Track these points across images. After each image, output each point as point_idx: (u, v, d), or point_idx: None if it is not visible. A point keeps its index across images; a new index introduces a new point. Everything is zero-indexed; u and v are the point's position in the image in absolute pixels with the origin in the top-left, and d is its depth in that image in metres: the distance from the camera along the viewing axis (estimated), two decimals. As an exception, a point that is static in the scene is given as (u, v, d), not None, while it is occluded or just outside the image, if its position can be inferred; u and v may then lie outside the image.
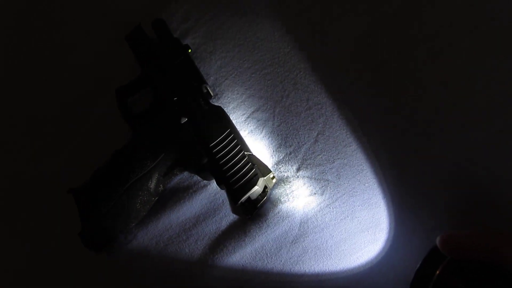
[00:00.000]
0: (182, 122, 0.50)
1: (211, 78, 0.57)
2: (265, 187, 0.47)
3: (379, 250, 0.44)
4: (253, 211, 0.47)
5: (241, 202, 0.46)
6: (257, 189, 0.46)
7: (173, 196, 0.51)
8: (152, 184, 0.49)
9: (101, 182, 0.49)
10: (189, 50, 0.57)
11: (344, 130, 0.49)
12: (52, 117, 0.61)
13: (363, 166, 0.46)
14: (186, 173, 0.52)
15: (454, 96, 0.46)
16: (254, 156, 0.48)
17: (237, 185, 0.45)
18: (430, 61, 0.48)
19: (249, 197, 0.46)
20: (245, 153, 0.47)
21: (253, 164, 0.46)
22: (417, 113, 0.47)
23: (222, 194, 0.50)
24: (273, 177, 0.48)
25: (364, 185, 0.46)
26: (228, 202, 0.49)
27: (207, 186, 0.51)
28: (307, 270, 0.45)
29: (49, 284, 0.51)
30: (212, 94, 0.54)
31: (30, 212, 0.55)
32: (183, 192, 0.51)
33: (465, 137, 0.45)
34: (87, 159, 0.53)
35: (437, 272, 0.33)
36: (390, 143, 0.47)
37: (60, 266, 0.51)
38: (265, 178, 0.46)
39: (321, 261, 0.45)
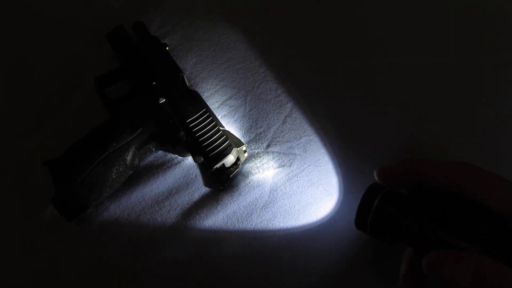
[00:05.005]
0: (161, 102, 0.53)
1: (187, 72, 0.62)
2: (238, 159, 0.51)
3: (333, 207, 0.49)
4: (225, 182, 0.50)
5: (216, 168, 0.49)
6: (231, 157, 0.49)
7: (148, 172, 0.53)
8: (128, 156, 0.51)
9: (77, 152, 0.51)
10: (167, 48, 0.62)
11: (309, 112, 0.54)
12: (27, 106, 0.62)
13: (326, 141, 0.51)
14: (160, 152, 0.54)
15: (397, 82, 0.54)
16: (228, 131, 0.52)
17: (212, 153, 0.49)
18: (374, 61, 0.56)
19: (222, 168, 0.50)
20: (220, 128, 0.51)
21: (227, 137, 0.50)
22: (361, 99, 0.54)
23: (195, 170, 0.53)
24: (245, 151, 0.51)
25: (328, 156, 0.50)
26: (200, 176, 0.52)
27: (181, 162, 0.53)
28: (276, 232, 0.48)
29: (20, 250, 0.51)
30: (187, 83, 0.58)
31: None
32: (158, 168, 0.53)
33: (406, 111, 0.52)
34: (63, 144, 0.55)
35: (376, 201, 0.38)
36: (344, 122, 0.53)
37: (30, 235, 0.51)
38: (238, 149, 0.50)
39: (289, 223, 0.48)
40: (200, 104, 0.53)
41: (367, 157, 0.49)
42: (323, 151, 0.51)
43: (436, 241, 0.35)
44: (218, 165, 0.48)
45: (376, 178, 0.39)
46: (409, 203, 0.37)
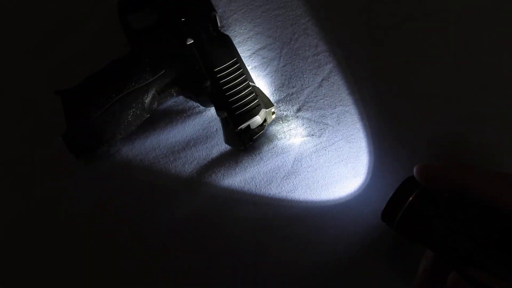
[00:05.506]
0: (188, 43, 0.48)
1: (219, 10, 0.55)
2: (264, 120, 0.47)
3: (359, 186, 0.46)
4: (248, 142, 0.46)
5: (240, 129, 0.45)
6: (258, 119, 0.45)
7: (165, 117, 0.49)
8: (147, 99, 0.47)
9: (94, 86, 0.46)
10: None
11: (349, 79, 0.49)
12: (39, 22, 0.56)
13: (363, 115, 0.47)
14: (181, 97, 0.50)
15: (447, 66, 0.49)
16: (258, 88, 0.47)
17: (238, 112, 0.44)
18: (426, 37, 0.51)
19: (247, 127, 0.46)
20: (250, 83, 0.46)
21: (256, 94, 0.46)
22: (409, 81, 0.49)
23: (217, 123, 0.49)
24: (273, 112, 0.47)
25: (362, 133, 0.46)
26: (222, 131, 0.48)
27: (202, 112, 0.49)
28: (294, 205, 0.45)
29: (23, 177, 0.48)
30: (219, 24, 0.52)
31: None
32: (177, 115, 0.49)
33: (450, 98, 0.48)
34: (77, 67, 0.50)
35: (410, 198, 0.34)
36: (386, 99, 0.48)
37: (36, 164, 0.49)
38: (266, 110, 0.46)
39: (310, 197, 0.45)
40: (231, 52, 0.48)
41: (405, 143, 0.45)
42: (358, 126, 0.47)
43: (466, 258, 0.32)
44: (243, 126, 0.44)
45: (415, 174, 0.36)
46: (447, 210, 0.34)
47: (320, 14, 0.53)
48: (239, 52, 0.50)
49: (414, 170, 0.36)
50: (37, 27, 0.56)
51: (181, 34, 0.48)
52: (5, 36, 0.56)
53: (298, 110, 0.48)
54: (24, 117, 0.51)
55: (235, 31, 0.54)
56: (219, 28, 0.52)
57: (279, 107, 0.49)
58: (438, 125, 0.46)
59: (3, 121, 0.51)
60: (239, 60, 0.48)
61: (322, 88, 0.49)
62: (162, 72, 0.47)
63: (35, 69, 0.54)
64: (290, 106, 0.49)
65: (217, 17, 0.52)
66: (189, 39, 0.48)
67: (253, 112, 0.45)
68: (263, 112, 0.45)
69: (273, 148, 0.47)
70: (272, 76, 0.51)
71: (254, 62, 0.51)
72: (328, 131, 0.47)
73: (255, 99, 0.45)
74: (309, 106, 0.48)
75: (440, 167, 0.35)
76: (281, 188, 0.46)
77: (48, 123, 0.50)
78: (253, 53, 0.52)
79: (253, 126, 0.46)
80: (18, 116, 0.51)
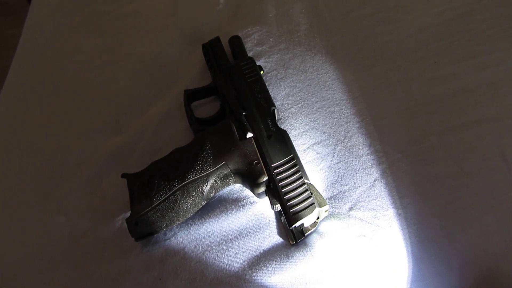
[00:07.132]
0: (248, 137, 0.51)
1: (277, 103, 0.59)
2: (317, 217, 0.48)
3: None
4: (300, 238, 0.48)
5: (294, 226, 0.46)
6: (312, 217, 0.46)
7: (221, 205, 0.51)
8: (206, 188, 0.49)
9: (158, 174, 0.49)
10: (262, 72, 0.59)
11: (402, 182, 0.50)
12: (112, 102, 0.62)
13: (416, 220, 0.47)
14: (238, 185, 0.53)
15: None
16: (312, 185, 0.49)
17: (293, 210, 0.46)
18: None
19: (301, 224, 0.47)
20: (305, 180, 0.48)
21: (311, 193, 0.47)
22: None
23: (270, 215, 0.50)
24: (326, 210, 0.48)
25: (415, 238, 0.47)
26: (276, 223, 0.50)
27: (256, 203, 0.51)
28: (343, 308, 0.45)
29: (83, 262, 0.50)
30: (277, 117, 0.56)
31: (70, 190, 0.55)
32: (231, 204, 0.51)
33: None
34: (142, 146, 0.54)
35: None
36: (436, 204, 0.49)
37: (94, 246, 0.51)
38: (320, 209, 0.47)
39: (359, 302, 0.45)
40: (288, 148, 0.51)
41: (448, 260, 0.45)
42: (410, 230, 0.47)
43: None
44: (297, 225, 0.46)
45: None
46: None
47: (375, 114, 0.55)
48: (294, 146, 0.52)
49: None
50: (107, 107, 0.61)
51: (242, 127, 0.51)
52: (80, 114, 0.61)
53: (350, 208, 0.50)
54: (89, 194, 0.54)
55: (292, 125, 0.57)
56: (277, 121, 0.55)
57: (331, 203, 0.50)
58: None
59: (70, 195, 0.54)
60: (295, 156, 0.50)
61: (375, 188, 0.50)
62: (223, 163, 0.50)
63: (102, 147, 0.58)
64: (342, 204, 0.50)
65: (275, 111, 0.55)
66: (249, 133, 0.51)
67: (307, 211, 0.46)
68: (317, 211, 0.47)
69: (324, 245, 0.48)
70: (325, 172, 0.52)
71: (309, 157, 0.54)
72: (380, 233, 0.48)
73: (309, 197, 0.47)
74: (361, 206, 0.50)
75: None
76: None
77: (111, 202, 0.53)
78: (308, 147, 0.54)
79: (306, 224, 0.47)
80: (84, 191, 0.54)
